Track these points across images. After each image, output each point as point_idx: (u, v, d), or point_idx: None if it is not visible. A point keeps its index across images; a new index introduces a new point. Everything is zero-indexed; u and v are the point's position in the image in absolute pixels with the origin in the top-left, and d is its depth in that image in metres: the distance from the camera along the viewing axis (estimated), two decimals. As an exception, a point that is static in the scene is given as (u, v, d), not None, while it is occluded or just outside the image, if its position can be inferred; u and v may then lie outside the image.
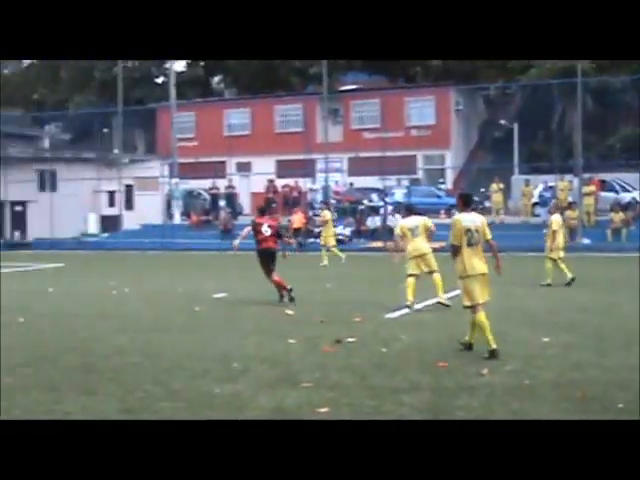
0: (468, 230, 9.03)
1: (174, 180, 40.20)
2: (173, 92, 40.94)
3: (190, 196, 42.28)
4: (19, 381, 8.07)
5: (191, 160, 44.99)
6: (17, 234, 41.55)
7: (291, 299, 13.83)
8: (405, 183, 39.94)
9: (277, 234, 14.46)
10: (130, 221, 40.67)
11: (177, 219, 39.21)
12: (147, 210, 41.75)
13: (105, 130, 53.00)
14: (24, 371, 8.59)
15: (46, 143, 49.73)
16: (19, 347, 10.11)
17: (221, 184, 39.31)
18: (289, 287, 13.97)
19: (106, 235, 39.67)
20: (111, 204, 42.10)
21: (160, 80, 57.63)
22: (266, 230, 14.13)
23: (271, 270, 14.11)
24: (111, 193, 42.26)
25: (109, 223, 40.22)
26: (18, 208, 42.21)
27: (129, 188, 43.51)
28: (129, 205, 42.78)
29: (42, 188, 42.46)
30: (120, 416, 6.66)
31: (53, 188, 41.38)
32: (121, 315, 13.15)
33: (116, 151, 44.75)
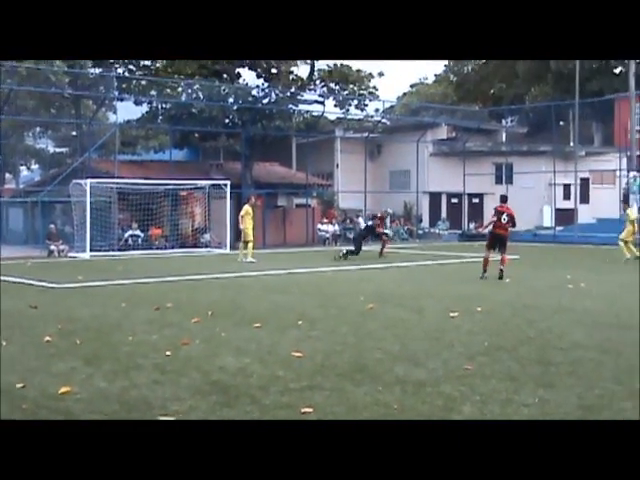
0: None
1: (632, 173, 38.43)
2: (632, 82, 39.19)
3: (649, 189, 40.13)
4: (478, 369, 8.20)
5: (652, 152, 42.65)
6: (472, 225, 42.93)
7: None
8: None
9: None
10: (585, 215, 39.85)
11: (634, 214, 37.37)
12: (603, 204, 40.57)
13: (561, 123, 52.47)
14: (483, 359, 8.71)
15: (503, 136, 50.68)
16: (478, 335, 10.30)
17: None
18: None
19: (561, 228, 39.31)
20: (566, 197, 41.65)
21: (618, 70, 55.45)
22: None
23: None
24: (566, 186, 41.79)
25: (564, 216, 39.80)
26: (475, 200, 43.60)
27: (584, 181, 42.64)
28: (584, 198, 41.93)
29: (499, 181, 43.38)
30: (578, 412, 6.42)
31: (509, 181, 42.08)
32: (578, 309, 12.80)
33: (572, 144, 44.11)
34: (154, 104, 37.18)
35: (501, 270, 17.87)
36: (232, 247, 31.17)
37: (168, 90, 37.61)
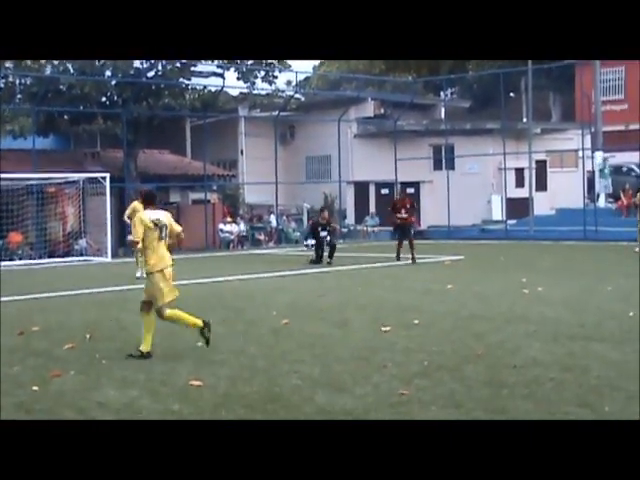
0: (155, 225, 10.90)
1: (598, 153, 39.34)
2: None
3: (618, 173, 41.15)
4: (415, 394, 8.30)
5: (620, 128, 43.72)
6: (409, 221, 43.26)
7: None
8: None
9: None
10: (542, 205, 40.57)
11: (602, 202, 38.40)
12: (564, 191, 41.37)
13: (511, 95, 53.41)
14: (421, 382, 8.82)
15: (442, 113, 51.26)
16: (416, 353, 10.43)
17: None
18: None
19: (513, 222, 39.94)
20: (519, 184, 42.32)
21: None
22: None
23: None
24: (519, 171, 42.48)
25: (517, 207, 40.47)
26: (410, 190, 44.00)
27: (541, 164, 43.40)
28: (541, 185, 42.70)
29: (438, 166, 43.87)
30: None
31: (450, 166, 42.55)
32: (535, 319, 13.06)
33: (525, 120, 44.88)
34: (10, 79, 36.54)
35: None
36: (115, 254, 30.84)
37: (28, 61, 36.99)
